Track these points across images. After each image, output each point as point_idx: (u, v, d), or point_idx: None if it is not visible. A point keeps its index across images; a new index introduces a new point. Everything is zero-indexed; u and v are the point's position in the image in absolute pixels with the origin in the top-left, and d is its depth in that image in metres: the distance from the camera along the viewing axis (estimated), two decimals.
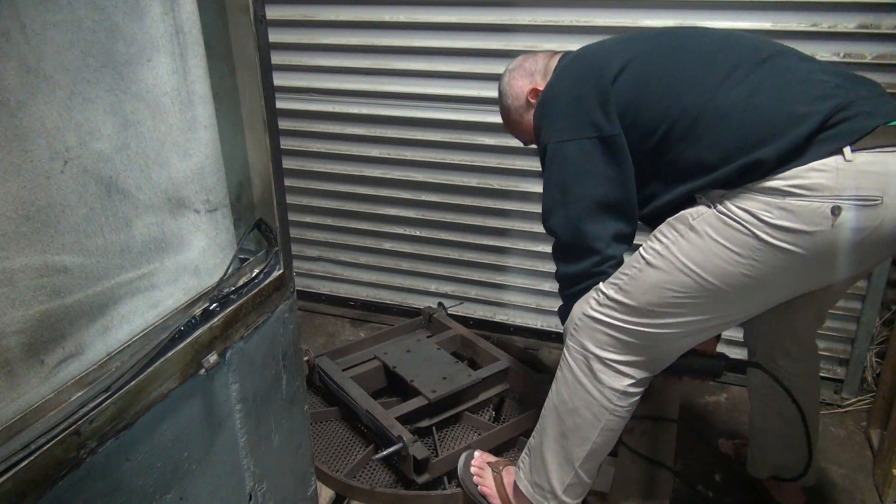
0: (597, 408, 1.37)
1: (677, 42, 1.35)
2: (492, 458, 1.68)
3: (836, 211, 1.11)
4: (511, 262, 2.59)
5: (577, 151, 1.33)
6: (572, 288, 1.42)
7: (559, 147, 1.36)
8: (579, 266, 1.39)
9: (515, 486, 1.54)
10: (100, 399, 0.77)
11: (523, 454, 1.55)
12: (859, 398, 2.28)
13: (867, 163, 1.12)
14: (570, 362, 1.40)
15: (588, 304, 1.37)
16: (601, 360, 1.35)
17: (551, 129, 1.38)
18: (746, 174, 1.17)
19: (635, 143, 1.31)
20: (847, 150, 1.12)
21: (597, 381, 1.35)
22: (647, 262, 1.28)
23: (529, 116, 1.56)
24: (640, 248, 1.31)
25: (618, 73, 1.31)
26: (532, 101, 1.55)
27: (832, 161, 1.12)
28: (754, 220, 1.15)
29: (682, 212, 1.25)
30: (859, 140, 1.12)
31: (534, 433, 1.52)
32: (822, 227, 1.12)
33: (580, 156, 1.33)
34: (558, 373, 1.44)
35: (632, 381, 1.35)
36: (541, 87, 1.52)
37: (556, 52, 1.58)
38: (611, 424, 1.38)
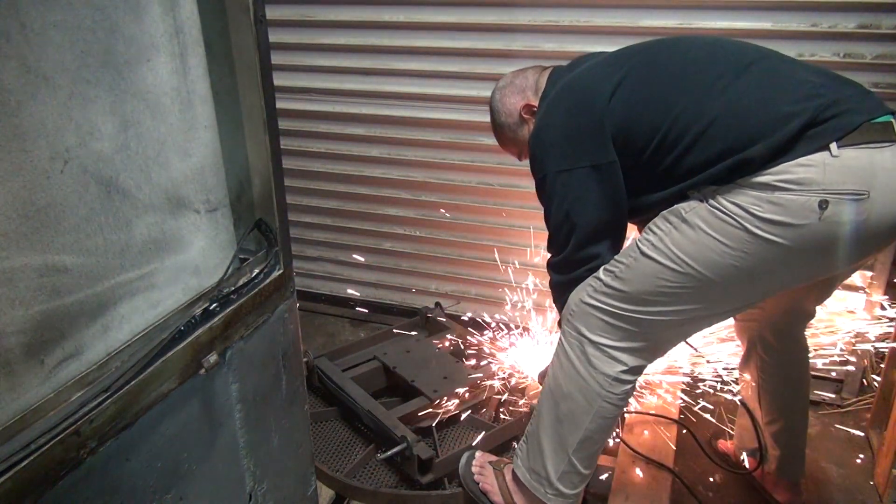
0: (589, 393, 1.39)
1: (663, 54, 1.38)
2: (493, 458, 1.69)
3: (823, 205, 1.15)
4: (511, 261, 2.59)
5: (575, 181, 1.38)
6: (566, 293, 1.46)
7: (557, 177, 1.40)
8: (576, 273, 1.44)
9: (514, 475, 1.55)
10: (100, 399, 0.77)
11: (521, 441, 1.57)
12: (859, 398, 2.28)
13: (853, 158, 1.16)
14: (566, 347, 1.43)
15: (585, 292, 1.40)
16: (595, 344, 1.38)
17: (549, 159, 1.42)
18: (735, 172, 1.20)
19: (630, 158, 1.35)
20: (833, 146, 1.15)
21: (590, 365, 1.38)
22: (642, 253, 1.31)
23: (524, 132, 1.59)
24: (636, 239, 1.35)
25: (609, 98, 1.34)
26: (526, 116, 1.58)
27: (819, 157, 1.16)
28: (744, 214, 1.19)
29: (675, 205, 1.29)
30: (845, 136, 1.16)
31: (531, 419, 1.54)
32: (810, 221, 1.16)
33: (578, 185, 1.38)
34: (554, 358, 1.47)
35: (624, 367, 1.38)
36: (533, 103, 1.55)
37: (544, 67, 1.61)
38: (603, 412, 1.40)
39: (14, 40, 0.67)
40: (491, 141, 2.38)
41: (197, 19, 0.92)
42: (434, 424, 1.86)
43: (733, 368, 1.96)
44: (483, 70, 2.31)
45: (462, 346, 2.20)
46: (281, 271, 1.09)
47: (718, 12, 2.02)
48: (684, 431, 1.96)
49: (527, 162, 1.53)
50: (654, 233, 1.31)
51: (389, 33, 2.39)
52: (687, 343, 1.84)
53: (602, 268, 1.39)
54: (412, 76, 2.43)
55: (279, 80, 2.43)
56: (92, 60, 0.76)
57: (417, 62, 2.40)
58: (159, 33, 0.86)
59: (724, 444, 2.00)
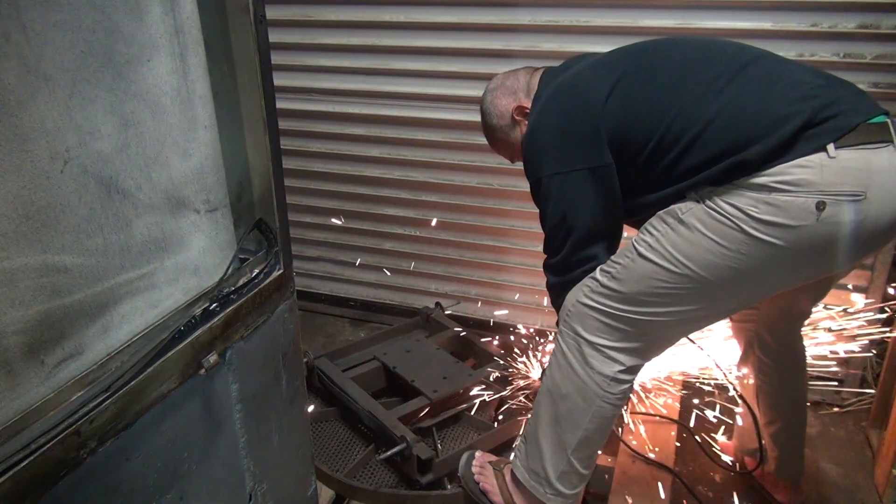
0: (588, 393, 1.39)
1: (658, 56, 1.37)
2: (493, 458, 1.69)
3: (820, 206, 1.15)
4: (511, 261, 2.59)
5: (571, 184, 1.37)
6: (563, 294, 1.46)
7: (552, 180, 1.39)
8: (573, 274, 1.44)
9: (513, 475, 1.55)
10: (100, 399, 0.77)
11: (519, 442, 1.57)
12: (859, 398, 2.28)
13: (850, 159, 1.16)
14: (563, 347, 1.43)
15: (581, 292, 1.40)
16: (592, 345, 1.38)
17: (543, 162, 1.41)
18: (733, 173, 1.20)
19: (627, 160, 1.34)
20: (831, 146, 1.15)
21: (587, 366, 1.38)
22: (639, 253, 1.31)
23: (516, 134, 1.58)
24: (633, 240, 1.35)
25: (605, 100, 1.34)
26: (518, 118, 1.57)
27: (816, 158, 1.16)
28: (741, 215, 1.19)
29: (671, 206, 1.29)
30: (842, 137, 1.16)
31: (529, 420, 1.54)
32: (807, 222, 1.16)
33: (574, 188, 1.37)
34: (552, 358, 1.47)
35: (621, 367, 1.38)
36: (525, 104, 1.54)
37: (536, 69, 1.60)
38: (602, 412, 1.40)
39: (14, 40, 0.67)
40: None
41: (197, 19, 0.92)
42: (434, 424, 1.86)
43: (732, 367, 1.96)
44: (483, 70, 2.30)
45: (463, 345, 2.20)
46: (281, 271, 1.09)
47: (718, 12, 2.02)
48: (684, 434, 1.96)
49: (521, 163, 1.52)
50: (651, 234, 1.30)
51: (389, 33, 2.39)
52: (688, 339, 1.84)
53: (599, 268, 1.39)
54: (412, 76, 2.43)
55: (279, 80, 2.43)
56: (92, 60, 0.76)
57: (417, 62, 2.40)
58: (159, 33, 0.86)
59: (724, 444, 2.00)
